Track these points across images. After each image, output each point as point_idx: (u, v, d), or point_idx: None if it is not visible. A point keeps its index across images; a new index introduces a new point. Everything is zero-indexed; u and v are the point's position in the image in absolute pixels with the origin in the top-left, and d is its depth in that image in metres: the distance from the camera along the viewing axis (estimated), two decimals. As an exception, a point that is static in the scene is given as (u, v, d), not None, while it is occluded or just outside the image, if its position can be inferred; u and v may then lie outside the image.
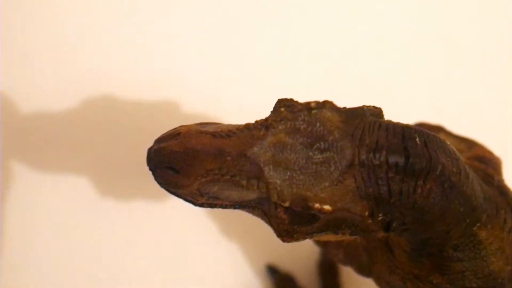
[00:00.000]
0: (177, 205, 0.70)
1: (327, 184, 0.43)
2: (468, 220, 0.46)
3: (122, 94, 0.71)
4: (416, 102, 0.72)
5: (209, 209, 0.69)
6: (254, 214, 0.48)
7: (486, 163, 0.52)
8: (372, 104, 0.49)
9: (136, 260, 0.69)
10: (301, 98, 0.49)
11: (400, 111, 0.70)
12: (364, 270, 0.54)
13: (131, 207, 0.69)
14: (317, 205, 0.42)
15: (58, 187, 0.69)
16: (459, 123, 0.67)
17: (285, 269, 0.69)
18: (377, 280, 0.53)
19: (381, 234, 0.46)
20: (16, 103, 0.70)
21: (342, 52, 0.73)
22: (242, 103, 0.71)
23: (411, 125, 0.44)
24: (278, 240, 0.69)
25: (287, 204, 0.43)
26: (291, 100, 0.46)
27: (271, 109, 0.46)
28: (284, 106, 0.44)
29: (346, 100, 0.58)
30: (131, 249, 0.69)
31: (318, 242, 0.58)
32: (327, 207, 0.43)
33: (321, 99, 0.45)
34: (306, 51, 0.73)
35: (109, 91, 0.71)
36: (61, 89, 0.71)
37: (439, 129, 0.58)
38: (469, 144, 0.56)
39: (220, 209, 0.67)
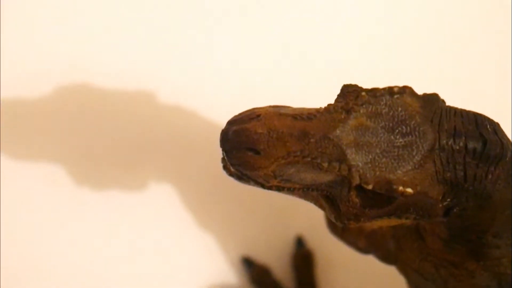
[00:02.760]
0: (153, 197, 0.68)
1: (409, 167, 0.44)
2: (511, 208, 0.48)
3: (104, 85, 0.69)
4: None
5: (188, 200, 0.68)
6: (308, 199, 0.47)
7: None
8: None
9: (112, 251, 0.67)
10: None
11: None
12: (389, 258, 0.55)
13: (107, 199, 0.68)
14: (400, 188, 0.43)
15: (37, 177, 0.66)
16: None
17: (261, 261, 0.68)
18: (403, 268, 0.54)
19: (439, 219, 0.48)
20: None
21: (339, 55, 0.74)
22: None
23: (480, 113, 0.46)
24: (253, 232, 0.69)
25: (370, 187, 0.43)
26: (356, 85, 0.46)
27: (337, 95, 0.46)
28: (363, 91, 0.45)
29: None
30: (107, 239, 0.67)
31: (335, 230, 0.58)
32: (409, 190, 0.43)
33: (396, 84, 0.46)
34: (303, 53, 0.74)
35: (90, 81, 0.69)
36: (42, 78, 0.68)
37: None
38: None
39: (201, 202, 0.66)
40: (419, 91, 0.47)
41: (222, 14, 0.72)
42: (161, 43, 0.71)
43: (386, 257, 0.55)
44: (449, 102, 0.48)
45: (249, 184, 0.46)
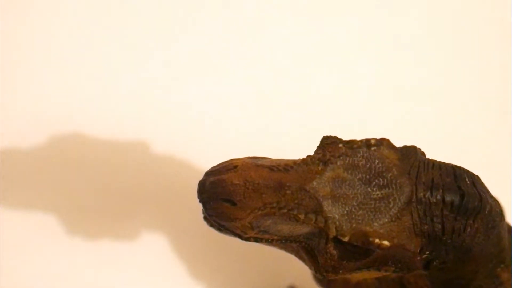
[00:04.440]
0: (144, 246, 0.68)
1: (386, 220, 0.43)
2: (494, 261, 0.48)
3: (93, 133, 0.69)
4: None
5: (179, 250, 0.68)
6: (288, 250, 0.47)
7: None
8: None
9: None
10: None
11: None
12: (374, 310, 0.54)
13: (98, 248, 0.67)
14: (376, 240, 0.43)
15: (28, 226, 0.66)
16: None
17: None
18: (387, 321, 0.54)
19: (418, 273, 0.47)
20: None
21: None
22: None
23: (459, 166, 0.46)
24: (246, 282, 0.69)
25: (346, 239, 0.43)
26: (335, 137, 0.46)
27: (317, 146, 0.46)
28: (341, 142, 0.45)
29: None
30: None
31: (320, 282, 0.58)
32: (385, 242, 0.43)
33: (377, 136, 0.46)
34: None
35: (80, 129, 0.69)
36: (34, 128, 0.68)
37: None
38: None
39: (192, 249, 0.66)
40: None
41: (212, 64, 0.72)
42: (152, 95, 0.72)
43: (371, 310, 0.55)
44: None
45: (228, 235, 0.46)
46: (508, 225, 0.51)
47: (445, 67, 0.78)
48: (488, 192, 0.46)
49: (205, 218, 0.46)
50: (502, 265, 0.49)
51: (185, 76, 0.73)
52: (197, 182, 0.47)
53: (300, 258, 0.47)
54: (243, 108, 0.73)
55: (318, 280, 0.57)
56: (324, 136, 0.46)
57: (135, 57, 0.72)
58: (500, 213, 0.46)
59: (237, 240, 0.66)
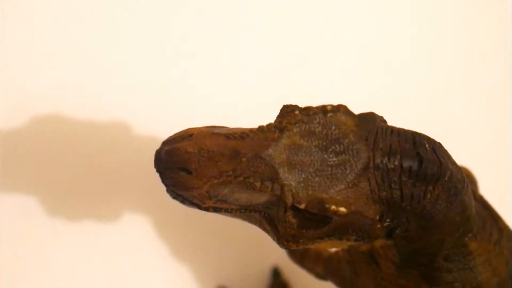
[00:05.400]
0: (127, 228, 0.68)
1: (342, 186, 0.43)
2: (461, 230, 0.47)
3: (76, 115, 0.70)
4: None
5: (163, 230, 0.67)
6: (251, 221, 0.47)
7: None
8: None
9: (87, 282, 0.66)
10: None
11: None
12: (346, 284, 0.54)
13: (81, 230, 0.67)
14: (333, 207, 0.42)
15: (9, 208, 0.66)
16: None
17: (235, 292, 0.68)
18: (359, 294, 0.53)
19: (379, 241, 0.47)
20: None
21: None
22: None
23: (419, 132, 0.45)
24: (229, 263, 0.68)
25: (302, 206, 0.43)
26: (295, 105, 0.46)
27: (277, 115, 0.46)
28: (297, 109, 0.44)
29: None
30: (81, 271, 0.67)
31: (294, 256, 0.57)
32: (342, 209, 0.43)
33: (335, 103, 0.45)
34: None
35: (62, 112, 0.69)
36: (12, 109, 0.69)
37: None
38: None
39: (180, 227, 0.66)
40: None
41: (200, 48, 0.73)
42: (135, 77, 0.72)
43: (342, 283, 0.54)
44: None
45: (188, 205, 0.45)
46: (474, 192, 0.50)
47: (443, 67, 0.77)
48: (450, 158, 0.45)
49: (167, 189, 0.46)
50: (470, 235, 0.48)
51: (171, 60, 0.73)
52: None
53: (264, 229, 0.47)
54: (230, 96, 0.73)
55: (292, 254, 0.57)
56: (284, 105, 0.46)
57: (121, 42, 0.72)
58: (462, 180, 0.45)
59: (220, 221, 0.66)
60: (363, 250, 0.52)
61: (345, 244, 0.47)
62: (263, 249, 0.68)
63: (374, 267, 0.51)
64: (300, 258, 0.57)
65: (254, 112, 0.68)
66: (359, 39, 0.76)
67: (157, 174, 0.44)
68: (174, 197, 0.45)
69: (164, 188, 0.65)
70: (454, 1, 0.79)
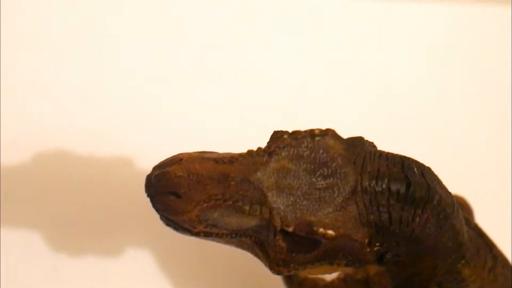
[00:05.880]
0: (130, 263, 0.68)
1: (330, 209, 0.43)
2: (454, 256, 0.47)
3: (79, 149, 0.70)
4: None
5: (165, 265, 0.67)
6: (244, 247, 0.47)
7: (461, 208, 0.54)
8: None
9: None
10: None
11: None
12: (341, 313, 0.54)
13: (84, 265, 0.67)
14: (321, 230, 0.43)
15: (13, 243, 0.66)
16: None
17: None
18: (354, 323, 0.53)
19: (372, 269, 0.47)
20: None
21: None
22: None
23: (408, 156, 0.46)
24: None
25: (290, 229, 0.43)
26: (285, 131, 0.46)
27: (268, 140, 0.46)
28: (286, 134, 0.45)
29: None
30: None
31: (289, 283, 0.57)
32: (330, 232, 0.43)
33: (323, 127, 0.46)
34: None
35: (65, 145, 0.70)
36: (14, 142, 0.69)
37: None
38: None
39: (184, 262, 0.66)
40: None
41: (201, 79, 0.73)
42: (137, 112, 0.72)
43: (338, 312, 0.54)
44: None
45: (179, 231, 0.46)
46: (468, 220, 0.50)
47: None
48: (439, 183, 0.45)
49: (159, 216, 0.47)
50: (463, 261, 0.48)
51: (172, 94, 0.73)
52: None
53: (256, 255, 0.47)
54: (227, 127, 0.73)
55: (289, 284, 0.57)
56: (274, 131, 0.46)
57: (121, 75, 0.72)
58: (452, 204, 0.45)
59: (221, 253, 0.66)
60: (358, 278, 0.52)
61: (337, 269, 0.47)
62: (264, 280, 0.68)
63: (369, 295, 0.51)
64: (298, 286, 0.57)
65: (249, 141, 0.68)
66: (356, 74, 0.76)
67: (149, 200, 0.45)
68: (167, 224, 0.46)
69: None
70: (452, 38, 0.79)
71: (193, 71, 0.76)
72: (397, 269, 0.46)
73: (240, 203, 0.43)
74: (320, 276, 0.50)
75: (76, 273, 0.67)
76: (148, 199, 0.64)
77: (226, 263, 0.68)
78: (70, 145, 0.71)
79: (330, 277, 0.55)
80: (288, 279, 0.57)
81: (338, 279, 0.54)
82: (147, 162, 0.65)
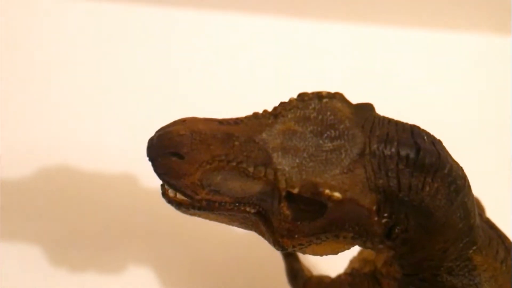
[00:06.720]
0: (131, 280, 0.66)
1: (337, 171, 0.42)
2: (465, 240, 0.45)
3: (81, 166, 0.69)
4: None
5: (166, 281, 0.66)
6: (248, 226, 0.46)
7: None
8: None
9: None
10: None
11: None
12: (347, 309, 0.52)
13: (85, 282, 0.65)
14: (327, 191, 0.41)
15: (14, 258, 0.65)
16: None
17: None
18: (361, 318, 0.51)
19: (380, 258, 0.45)
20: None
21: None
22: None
23: (417, 125, 0.44)
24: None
25: (296, 190, 0.42)
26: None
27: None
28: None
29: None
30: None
31: (294, 283, 0.55)
32: (337, 194, 0.41)
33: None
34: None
35: (68, 162, 0.70)
36: (21, 161, 0.69)
37: None
38: None
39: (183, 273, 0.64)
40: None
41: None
42: (141, 130, 0.72)
43: (344, 308, 0.52)
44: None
45: (183, 211, 0.44)
46: (478, 201, 0.49)
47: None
48: (449, 155, 0.44)
49: (163, 194, 0.45)
50: (474, 247, 0.46)
51: (177, 111, 0.73)
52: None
53: (260, 232, 0.46)
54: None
55: (294, 285, 0.55)
56: (281, 102, 0.45)
57: (127, 93, 0.72)
58: (463, 177, 0.44)
59: (224, 269, 0.64)
60: (365, 272, 0.50)
61: (343, 247, 0.45)
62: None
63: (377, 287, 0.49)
64: (303, 284, 0.55)
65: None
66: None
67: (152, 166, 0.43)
68: (168, 201, 0.44)
69: (166, 238, 0.65)
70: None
71: (199, 92, 0.75)
72: (406, 251, 0.45)
73: (244, 165, 0.42)
74: (326, 255, 0.48)
75: (75, 288, 0.65)
76: (149, 216, 0.64)
77: (228, 280, 0.66)
78: (70, 161, 0.70)
79: (336, 273, 0.53)
80: (293, 280, 0.55)
81: (344, 274, 0.52)
82: (148, 179, 0.65)
